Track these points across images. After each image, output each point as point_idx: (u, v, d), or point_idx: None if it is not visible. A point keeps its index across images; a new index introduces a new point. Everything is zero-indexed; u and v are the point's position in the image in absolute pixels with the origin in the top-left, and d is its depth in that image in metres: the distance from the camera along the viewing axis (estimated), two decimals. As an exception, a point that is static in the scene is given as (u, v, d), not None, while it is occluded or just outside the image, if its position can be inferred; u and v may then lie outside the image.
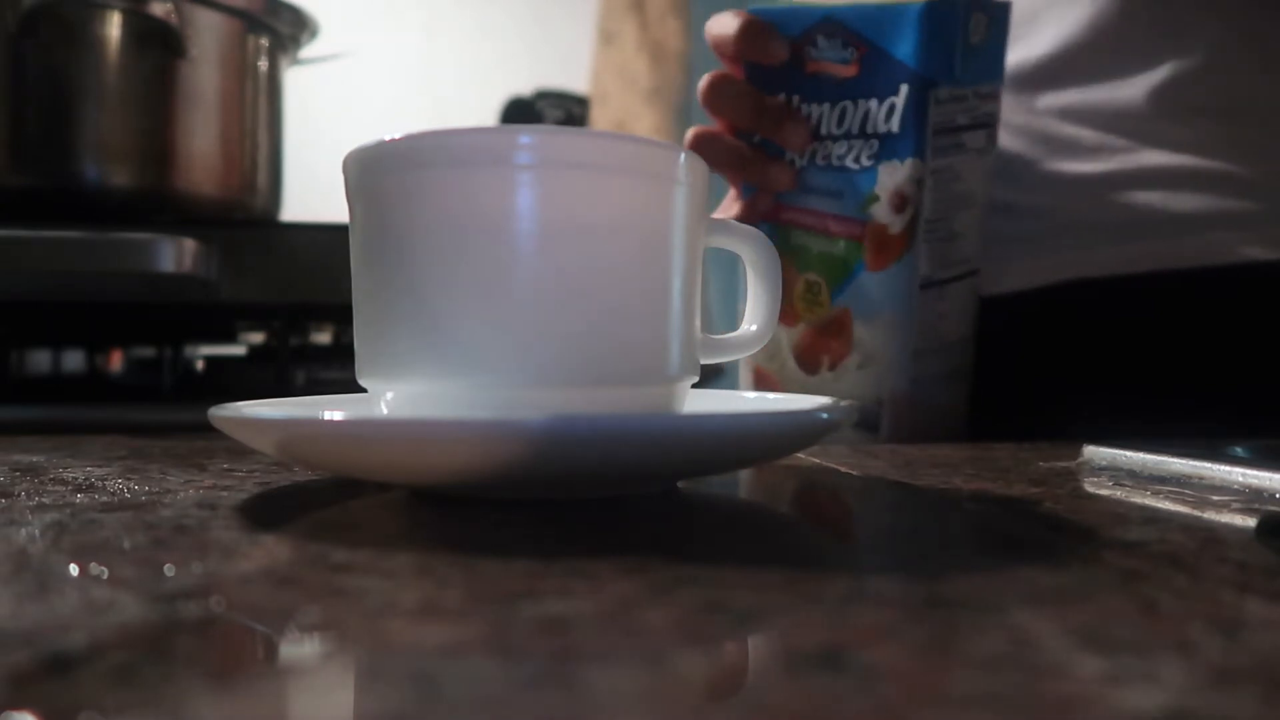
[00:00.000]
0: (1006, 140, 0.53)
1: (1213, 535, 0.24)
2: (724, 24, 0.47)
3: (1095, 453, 0.35)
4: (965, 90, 0.45)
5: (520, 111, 1.71)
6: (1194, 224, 0.50)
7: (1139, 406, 0.45)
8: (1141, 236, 0.51)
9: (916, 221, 0.45)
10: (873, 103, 0.46)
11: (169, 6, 0.73)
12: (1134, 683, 0.13)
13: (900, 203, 0.46)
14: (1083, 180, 0.52)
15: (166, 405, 0.74)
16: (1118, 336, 0.52)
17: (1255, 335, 0.50)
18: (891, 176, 0.46)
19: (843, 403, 0.28)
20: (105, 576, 0.18)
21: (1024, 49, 0.52)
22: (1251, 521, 0.25)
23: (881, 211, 0.46)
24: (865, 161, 0.46)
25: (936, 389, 0.48)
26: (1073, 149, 0.52)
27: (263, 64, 0.82)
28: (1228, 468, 0.30)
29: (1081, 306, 0.53)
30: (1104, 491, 0.30)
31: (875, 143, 0.46)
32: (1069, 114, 0.51)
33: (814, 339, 0.49)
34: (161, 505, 0.26)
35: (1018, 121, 0.53)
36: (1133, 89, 0.50)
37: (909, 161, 0.45)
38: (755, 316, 0.33)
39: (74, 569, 0.19)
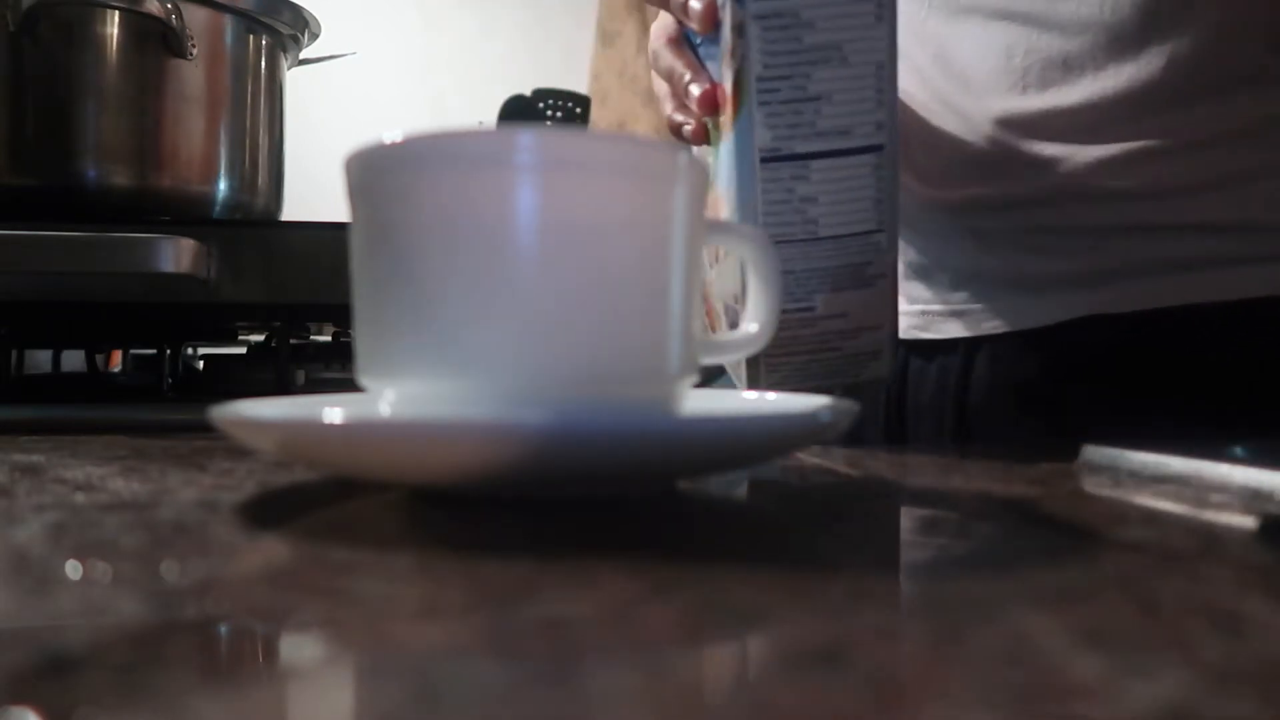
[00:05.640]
0: (1040, 191, 0.51)
1: (1213, 535, 0.24)
2: None
3: (1095, 453, 0.35)
4: None
5: (520, 111, 1.71)
6: (1221, 264, 0.49)
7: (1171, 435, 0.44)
8: (1168, 274, 0.50)
9: (745, 78, 0.38)
10: None
11: (169, 6, 0.73)
12: (1134, 683, 0.13)
13: (729, 55, 0.39)
14: (1117, 229, 0.51)
15: (166, 405, 0.74)
16: (1136, 369, 0.51)
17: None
18: (725, 25, 0.39)
19: (843, 403, 0.28)
20: (105, 576, 0.18)
21: (1081, 92, 0.49)
22: (1251, 521, 0.25)
23: (723, 67, 0.40)
24: (721, 12, 0.40)
25: (807, 291, 0.40)
26: (1108, 199, 0.51)
27: (263, 64, 0.82)
28: (1228, 468, 0.30)
29: (1099, 341, 0.52)
30: (1104, 491, 0.30)
31: None
32: (1128, 160, 0.49)
33: None
34: (161, 505, 0.26)
35: (1055, 169, 0.51)
36: (1174, 144, 0.49)
37: (729, 5, 0.39)
38: (755, 316, 0.33)
39: (74, 569, 0.19)
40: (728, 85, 0.40)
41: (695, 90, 0.43)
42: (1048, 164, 0.50)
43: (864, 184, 0.40)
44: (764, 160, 0.39)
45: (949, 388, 0.57)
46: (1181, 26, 0.46)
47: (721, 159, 0.41)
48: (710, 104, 0.42)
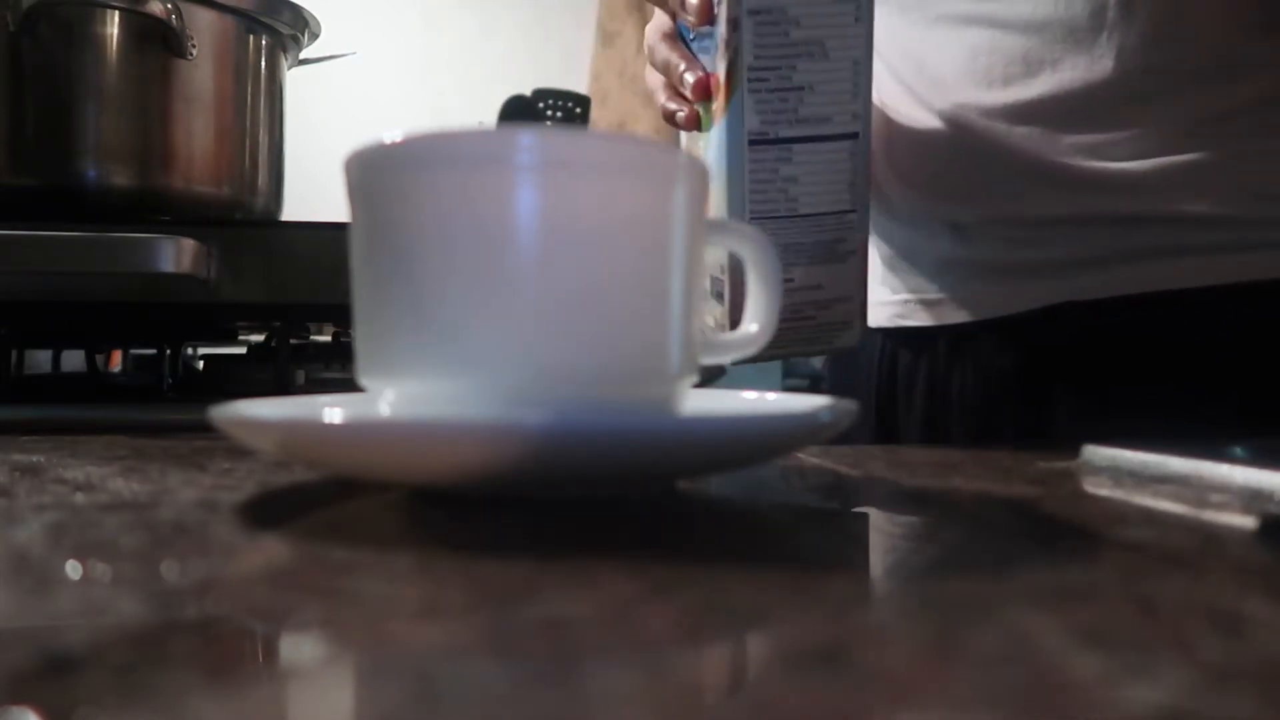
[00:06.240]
0: (1024, 178, 0.53)
1: (1213, 535, 0.24)
2: None
3: (1095, 453, 0.35)
4: None
5: (520, 111, 1.71)
6: (1193, 251, 0.50)
7: (1151, 422, 0.45)
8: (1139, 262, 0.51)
9: (737, 68, 0.42)
10: None
11: (169, 6, 0.73)
12: (1134, 683, 0.13)
13: (724, 47, 0.43)
14: (1089, 219, 0.52)
15: (166, 405, 0.74)
16: (1112, 355, 0.53)
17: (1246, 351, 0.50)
18: (720, 20, 0.43)
19: (843, 403, 0.28)
20: (105, 576, 0.18)
21: (1041, 86, 0.51)
22: (1251, 521, 0.25)
23: (718, 59, 0.43)
24: (716, 8, 0.44)
25: (787, 265, 0.44)
26: (1079, 191, 0.52)
27: (263, 64, 0.82)
28: (1228, 468, 0.30)
29: (1075, 327, 0.53)
30: (1104, 491, 0.30)
31: None
32: (1093, 152, 0.51)
33: None
34: (161, 505, 0.26)
35: (1042, 158, 0.53)
36: (1149, 129, 0.50)
37: (725, 1, 0.42)
38: (755, 316, 0.33)
39: (74, 569, 0.19)
40: (721, 74, 0.43)
41: (690, 79, 0.45)
42: (1017, 158, 0.52)
43: (840, 167, 0.44)
44: (752, 143, 0.42)
45: (936, 382, 0.59)
46: (1129, 21, 0.48)
47: (712, 142, 0.45)
48: (704, 90, 0.45)
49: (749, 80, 0.42)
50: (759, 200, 0.43)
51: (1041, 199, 0.52)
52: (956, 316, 0.57)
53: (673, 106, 0.48)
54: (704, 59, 0.46)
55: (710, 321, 0.46)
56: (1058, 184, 0.52)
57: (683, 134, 0.50)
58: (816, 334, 0.46)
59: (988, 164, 0.53)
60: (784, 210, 0.43)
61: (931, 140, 0.54)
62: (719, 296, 0.45)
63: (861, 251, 0.45)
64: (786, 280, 0.44)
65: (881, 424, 0.62)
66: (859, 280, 0.46)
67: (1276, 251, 0.50)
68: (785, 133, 0.43)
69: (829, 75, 0.43)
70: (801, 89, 0.43)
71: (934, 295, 0.58)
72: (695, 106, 0.47)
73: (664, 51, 0.48)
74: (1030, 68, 0.51)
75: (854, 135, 0.44)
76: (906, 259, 0.59)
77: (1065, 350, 0.54)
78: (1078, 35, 0.49)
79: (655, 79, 0.50)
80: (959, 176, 0.55)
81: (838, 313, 0.46)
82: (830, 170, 0.44)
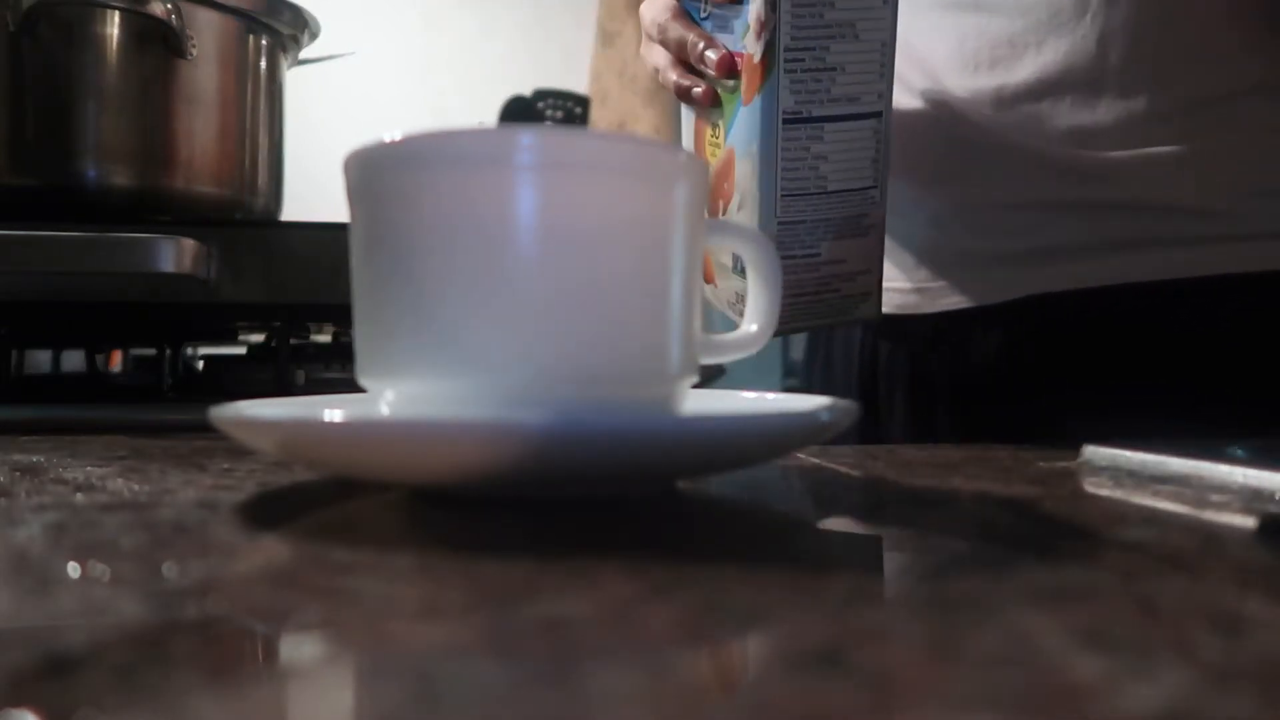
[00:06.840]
0: (1014, 165, 0.53)
1: (1213, 535, 0.24)
2: None
3: (1095, 453, 0.35)
4: None
5: (520, 111, 1.72)
6: (1169, 243, 0.51)
7: (1131, 413, 0.45)
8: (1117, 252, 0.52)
9: (773, 48, 0.43)
10: None
11: (169, 6, 0.73)
12: (1134, 683, 0.13)
13: (759, 28, 0.44)
14: (1068, 206, 0.52)
15: (166, 405, 0.74)
16: (1100, 346, 0.53)
17: (1235, 345, 0.50)
18: (754, 2, 0.44)
19: (843, 403, 0.28)
20: (105, 576, 0.18)
21: (1025, 70, 0.52)
22: (1251, 521, 0.25)
23: (750, 39, 0.44)
24: None
25: (815, 239, 0.46)
26: (1059, 178, 0.52)
27: (263, 64, 0.82)
28: (1228, 468, 0.30)
29: (1059, 317, 0.53)
30: (1104, 491, 0.30)
31: None
32: (1078, 139, 0.51)
33: (714, 181, 0.48)
34: (161, 505, 0.26)
35: (1029, 144, 0.53)
36: (1127, 114, 0.50)
37: None
38: (755, 316, 0.33)
39: (74, 569, 0.19)
40: (756, 55, 0.44)
41: (713, 55, 0.46)
42: (1003, 144, 0.52)
43: (865, 145, 0.46)
44: (786, 122, 0.44)
45: (917, 371, 0.59)
46: (1113, 6, 0.49)
47: (740, 120, 0.46)
48: (728, 67, 0.46)
49: (785, 61, 0.43)
50: (790, 177, 0.44)
51: (1026, 186, 0.53)
52: (937, 305, 0.57)
53: (686, 83, 0.48)
54: (720, 36, 0.47)
55: (733, 296, 0.47)
56: (1043, 171, 0.52)
57: (684, 111, 0.50)
58: (841, 305, 0.47)
59: (973, 151, 0.53)
60: (814, 188, 0.45)
61: (917, 127, 0.55)
62: (741, 272, 0.45)
63: (880, 225, 0.47)
64: (813, 255, 0.46)
65: (864, 413, 0.62)
66: (878, 253, 0.47)
67: (1265, 243, 0.50)
68: (818, 112, 0.44)
69: (859, 56, 0.44)
70: (834, 69, 0.44)
71: (914, 284, 0.58)
72: (711, 83, 0.47)
73: (677, 29, 0.48)
74: (1015, 51, 0.51)
75: (879, 114, 0.46)
76: (888, 247, 0.59)
77: (1048, 340, 0.54)
78: (1061, 19, 0.50)
79: (661, 56, 0.50)
80: (944, 163, 0.55)
81: (860, 284, 0.47)
82: (857, 148, 0.46)
